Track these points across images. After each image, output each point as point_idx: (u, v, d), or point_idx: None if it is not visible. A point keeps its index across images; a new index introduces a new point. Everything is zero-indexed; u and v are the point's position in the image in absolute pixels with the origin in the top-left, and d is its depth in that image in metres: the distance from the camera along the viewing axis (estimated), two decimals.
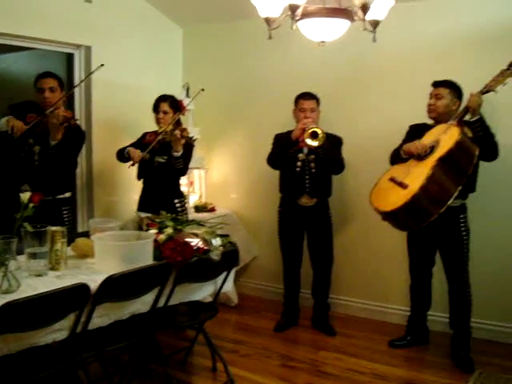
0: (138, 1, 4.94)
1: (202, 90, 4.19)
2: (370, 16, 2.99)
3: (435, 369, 3.71)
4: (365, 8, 2.71)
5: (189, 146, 4.19)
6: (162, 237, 3.08)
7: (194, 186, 5.18)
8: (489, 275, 4.11)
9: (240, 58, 5.15)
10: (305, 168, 4.17)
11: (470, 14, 4.07)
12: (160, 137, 4.03)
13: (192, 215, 4.60)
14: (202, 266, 3.04)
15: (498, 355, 3.90)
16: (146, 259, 2.90)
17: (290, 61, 4.80)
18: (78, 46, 4.57)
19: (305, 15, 2.85)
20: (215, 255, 3.08)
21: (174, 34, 5.41)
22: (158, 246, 3.03)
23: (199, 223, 3.45)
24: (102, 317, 2.69)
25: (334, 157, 4.15)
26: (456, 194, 3.46)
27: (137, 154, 4.02)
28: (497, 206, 4.08)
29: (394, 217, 3.53)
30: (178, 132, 3.97)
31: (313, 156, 4.15)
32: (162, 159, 4.15)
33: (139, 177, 4.31)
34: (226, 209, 5.19)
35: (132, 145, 4.24)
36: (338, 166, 4.17)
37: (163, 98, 4.24)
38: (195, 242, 3.04)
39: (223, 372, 3.48)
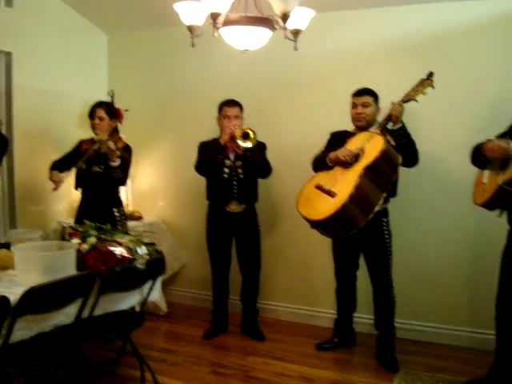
0: (62, 6, 4.82)
1: (127, 110, 4.15)
2: (291, 25, 3.04)
3: (362, 369, 3.80)
4: (285, 17, 2.74)
5: (127, 153, 4.15)
6: (84, 246, 3.03)
7: (121, 195, 5.09)
8: (411, 276, 4.25)
9: (165, 65, 5.12)
10: (232, 174, 4.18)
11: (389, 24, 4.21)
12: (95, 147, 3.97)
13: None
14: (126, 275, 3.01)
15: (422, 354, 4.02)
16: (69, 269, 2.85)
17: (214, 68, 4.82)
18: None
19: (227, 23, 2.86)
20: (140, 264, 3.05)
21: (99, 40, 5.33)
22: (81, 255, 2.98)
23: (125, 232, 3.42)
24: (24, 330, 2.61)
25: (263, 160, 4.18)
26: (381, 201, 3.56)
27: (59, 178, 4.03)
28: (416, 210, 4.23)
29: (323, 225, 3.57)
30: (111, 143, 3.92)
31: (240, 162, 4.17)
32: (99, 168, 4.09)
33: (77, 186, 4.23)
34: (154, 217, 5.14)
35: (68, 154, 4.20)
36: (266, 169, 4.20)
37: (99, 104, 4.19)
38: (119, 250, 3.00)
39: (152, 382, 3.45)
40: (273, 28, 2.92)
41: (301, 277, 4.71)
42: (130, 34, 5.24)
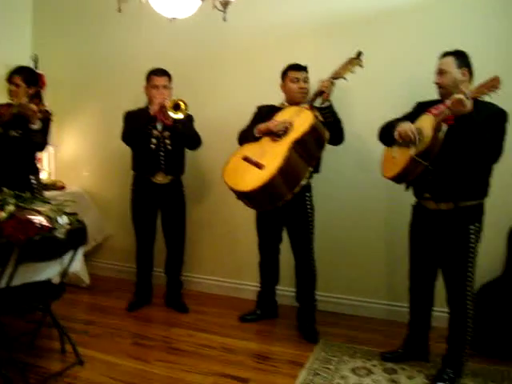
0: None
1: None
2: None
3: (283, 341, 3.87)
4: None
5: (46, 120, 4.00)
6: (2, 214, 2.93)
7: (43, 163, 4.96)
8: (332, 250, 4.35)
9: (93, 30, 4.98)
10: (160, 145, 4.12)
11: (320, 0, 4.22)
12: (14, 110, 3.81)
13: None
14: (45, 245, 2.92)
15: (342, 326, 4.14)
16: None
17: (142, 36, 4.72)
18: None
19: None
20: (60, 233, 2.99)
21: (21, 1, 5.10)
22: None
23: (45, 201, 3.33)
24: None
25: (193, 131, 4.16)
26: (308, 175, 3.61)
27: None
28: (337, 186, 4.31)
29: (250, 197, 3.57)
30: (33, 105, 3.78)
31: (168, 133, 4.12)
32: (17, 133, 3.91)
33: None
34: (77, 187, 5.04)
35: None
36: (196, 141, 4.17)
37: (17, 71, 4.00)
38: (38, 219, 2.92)
39: (72, 353, 3.40)
40: None
41: (226, 250, 4.74)
42: None
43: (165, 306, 4.43)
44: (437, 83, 3.21)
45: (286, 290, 4.33)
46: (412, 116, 3.30)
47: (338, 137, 3.75)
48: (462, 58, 3.19)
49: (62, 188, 4.85)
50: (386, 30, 4.07)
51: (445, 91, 3.16)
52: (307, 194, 3.87)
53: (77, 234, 3.20)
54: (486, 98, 2.95)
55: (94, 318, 4.17)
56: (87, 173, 5.12)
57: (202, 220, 4.76)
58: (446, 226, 3.20)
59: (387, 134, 3.37)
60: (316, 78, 3.71)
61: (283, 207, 3.78)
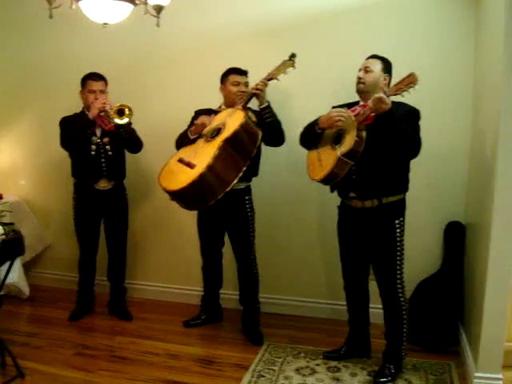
0: None
1: None
2: (153, 1, 3.02)
3: (228, 344, 3.90)
4: None
5: None
6: None
7: None
8: (273, 253, 4.40)
9: (25, 36, 4.85)
10: (100, 151, 4.07)
11: (254, 5, 4.27)
12: None
13: None
14: None
15: (286, 327, 4.19)
16: None
17: (77, 42, 4.63)
18: None
19: None
20: None
21: None
22: None
23: None
24: None
25: (135, 135, 4.14)
26: (241, 175, 3.61)
27: None
28: (274, 188, 4.37)
29: (181, 196, 3.58)
30: None
31: (107, 138, 4.07)
32: None
33: None
34: (15, 196, 4.88)
35: None
36: (139, 144, 4.16)
37: None
38: None
39: (13, 366, 3.32)
40: (133, 2, 2.87)
41: (169, 255, 4.72)
42: None
43: (108, 314, 4.38)
44: (359, 78, 3.30)
45: (230, 294, 4.34)
46: None
47: (278, 138, 3.79)
48: (387, 65, 3.34)
49: None
50: (321, 32, 4.15)
51: (364, 88, 3.27)
52: (246, 198, 3.90)
53: (12, 245, 3.14)
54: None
55: (36, 329, 4.09)
56: (24, 181, 5.00)
57: (145, 225, 4.74)
58: (372, 222, 3.32)
59: (308, 136, 3.46)
60: (253, 80, 3.75)
61: (223, 211, 3.82)
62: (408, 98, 3.11)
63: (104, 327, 4.19)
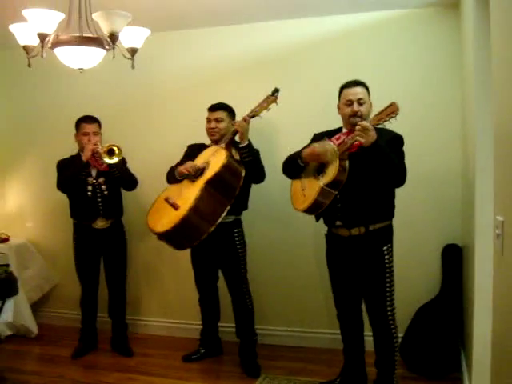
0: None
1: None
2: (126, 44, 3.13)
3: (225, 378, 3.91)
4: (113, 37, 2.82)
5: None
6: None
7: None
8: (271, 285, 4.42)
9: (25, 87, 5.06)
10: (96, 191, 4.18)
11: (237, 41, 4.41)
12: None
13: None
14: None
15: (285, 358, 4.18)
16: None
17: (66, 87, 4.84)
18: None
19: (57, 44, 2.90)
20: None
21: None
22: None
23: None
24: None
25: (128, 173, 4.24)
26: (225, 214, 3.64)
27: None
28: (267, 220, 4.43)
29: (166, 237, 3.64)
30: None
31: (103, 178, 4.18)
32: None
33: None
34: (22, 238, 5.03)
35: None
36: (133, 181, 4.26)
37: None
38: None
39: None
40: (104, 47, 2.97)
41: (169, 290, 4.78)
42: None
43: (111, 350, 4.42)
44: (355, 111, 3.25)
45: (229, 327, 4.33)
46: None
47: (258, 175, 3.83)
48: (367, 89, 3.32)
49: (5, 240, 4.86)
50: (304, 61, 4.26)
51: (360, 120, 3.20)
52: (236, 230, 3.93)
53: (3, 285, 3.23)
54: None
55: (39, 367, 4.17)
56: (31, 223, 5.14)
57: (143, 261, 4.81)
58: (360, 250, 3.29)
59: (291, 167, 3.47)
60: (239, 116, 3.81)
61: (214, 245, 3.86)
62: (402, 122, 3.09)
63: (104, 364, 4.22)
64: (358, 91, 3.28)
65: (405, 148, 3.26)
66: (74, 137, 4.24)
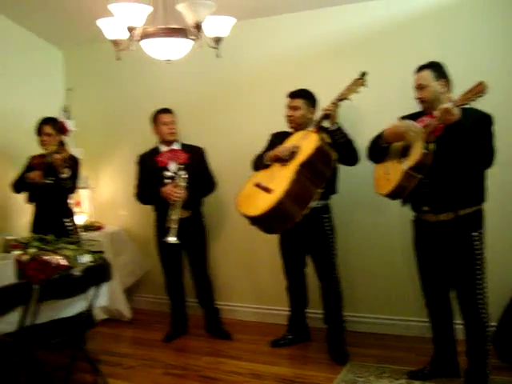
0: (12, 26, 4.95)
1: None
2: (211, 33, 3.17)
3: (313, 364, 3.90)
4: (198, 27, 2.87)
5: (75, 163, 4.28)
6: (25, 257, 3.14)
7: (82, 206, 5.22)
8: (359, 271, 4.38)
9: (116, 77, 5.25)
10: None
11: (322, 25, 4.35)
12: (48, 159, 4.10)
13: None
14: (63, 283, 3.11)
15: (373, 346, 4.13)
16: (7, 279, 2.96)
17: (153, 79, 4.99)
18: None
19: (145, 36, 2.99)
20: (77, 271, 3.16)
21: (52, 55, 5.45)
22: (22, 266, 3.10)
23: (70, 241, 3.54)
24: None
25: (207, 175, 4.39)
26: (317, 197, 3.66)
27: (36, 174, 4.20)
28: (359, 205, 4.36)
29: (260, 221, 3.67)
30: (57, 156, 4.04)
31: (185, 172, 4.21)
32: (49, 180, 4.21)
33: (30, 200, 4.34)
34: (115, 226, 5.26)
35: (23, 172, 4.37)
36: (212, 185, 4.42)
37: (45, 121, 4.31)
38: (55, 259, 3.11)
39: None
40: (189, 38, 3.03)
41: (256, 276, 4.84)
42: (82, 48, 5.37)
43: (201, 335, 4.53)
44: (418, 98, 3.24)
45: (317, 313, 4.30)
46: None
47: (351, 157, 3.80)
48: (438, 69, 3.23)
49: (100, 228, 5.08)
50: (390, 43, 4.17)
51: (427, 105, 3.19)
52: (325, 216, 3.92)
53: (97, 271, 3.36)
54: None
55: (132, 350, 4.35)
56: (124, 212, 5.34)
57: (226, 248, 4.91)
58: (448, 236, 3.20)
59: (374, 150, 3.41)
60: (326, 100, 3.78)
61: (303, 231, 3.86)
62: (487, 102, 2.99)
63: (195, 348, 4.34)
64: (420, 76, 3.24)
65: (496, 128, 3.13)
66: (153, 129, 4.40)
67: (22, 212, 4.51)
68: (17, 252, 3.25)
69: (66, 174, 4.09)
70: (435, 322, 3.47)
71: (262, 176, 3.83)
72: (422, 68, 3.25)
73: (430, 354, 3.58)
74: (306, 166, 3.61)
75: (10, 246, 3.43)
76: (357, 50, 4.23)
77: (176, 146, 4.37)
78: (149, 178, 4.32)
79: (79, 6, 4.49)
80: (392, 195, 3.26)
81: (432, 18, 4.04)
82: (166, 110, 4.35)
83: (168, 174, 4.27)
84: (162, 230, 4.36)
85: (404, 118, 3.38)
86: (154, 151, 4.37)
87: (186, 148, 4.39)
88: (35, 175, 4.18)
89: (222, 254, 4.91)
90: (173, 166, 4.30)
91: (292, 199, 3.56)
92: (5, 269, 3.00)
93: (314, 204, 3.67)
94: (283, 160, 3.72)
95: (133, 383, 3.70)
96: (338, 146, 3.72)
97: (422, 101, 3.23)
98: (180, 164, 4.28)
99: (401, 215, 4.05)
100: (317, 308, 4.27)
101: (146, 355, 4.18)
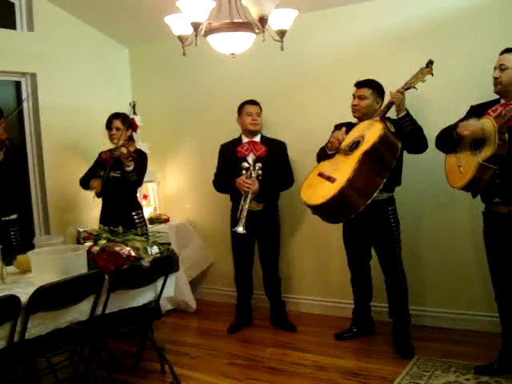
0: (80, 25, 5.13)
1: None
2: (275, 26, 3.18)
3: (377, 357, 3.88)
4: (262, 20, 2.89)
5: (141, 157, 4.39)
6: (96, 248, 3.25)
7: (149, 199, 5.35)
8: (424, 265, 4.32)
9: (183, 72, 5.33)
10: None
11: (388, 15, 4.29)
12: (116, 153, 4.21)
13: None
14: (133, 273, 3.21)
15: (440, 340, 4.06)
16: (80, 270, 3.07)
17: (218, 72, 5.04)
18: (24, 74, 4.77)
19: (209, 31, 3.03)
20: (146, 262, 3.25)
21: (119, 53, 5.62)
22: (93, 256, 3.21)
23: (138, 233, 3.64)
24: (39, 326, 2.84)
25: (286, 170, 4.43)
26: (381, 187, 3.62)
27: (97, 184, 4.36)
28: (426, 197, 4.29)
29: (322, 210, 3.67)
30: (124, 149, 4.15)
31: (260, 164, 4.29)
32: (116, 174, 4.34)
33: (97, 195, 4.49)
34: (181, 219, 5.36)
35: (92, 167, 4.53)
36: (289, 180, 4.46)
37: (116, 116, 4.42)
38: (126, 250, 3.21)
39: (170, 373, 3.63)
40: (254, 31, 3.05)
41: (321, 269, 4.83)
42: (148, 45, 5.51)
43: (266, 326, 4.58)
44: (495, 78, 3.15)
45: (381, 306, 4.29)
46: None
47: (419, 144, 3.72)
48: None
49: (166, 221, 5.20)
50: (455, 33, 4.08)
51: (502, 88, 3.11)
52: (390, 208, 3.88)
53: (164, 262, 3.45)
54: None
55: (197, 340, 4.45)
56: (189, 205, 5.44)
57: (298, 242, 4.92)
58: None
59: (446, 140, 3.34)
60: (392, 88, 3.73)
61: (367, 224, 3.85)
62: None
63: (259, 339, 4.38)
64: (504, 57, 3.15)
65: None
66: (237, 120, 4.48)
67: (94, 205, 4.66)
68: (88, 243, 3.37)
69: (130, 166, 4.19)
70: (505, 317, 3.38)
71: (326, 166, 3.83)
72: (509, 50, 3.15)
73: (499, 349, 3.50)
74: (370, 155, 3.57)
75: (82, 238, 3.55)
76: (419, 39, 4.16)
77: (257, 139, 4.45)
78: (227, 168, 4.43)
79: (145, 5, 4.63)
80: (467, 188, 3.20)
81: (496, 7, 3.92)
82: (252, 102, 4.44)
83: (245, 165, 4.34)
84: (234, 219, 4.40)
85: (477, 106, 3.31)
86: (236, 141, 4.46)
87: (266, 141, 4.46)
88: (95, 184, 4.36)
89: (295, 247, 4.94)
90: (251, 158, 4.37)
91: (355, 188, 3.54)
92: (78, 259, 3.09)
93: (376, 197, 3.63)
94: (346, 150, 3.71)
95: (199, 372, 3.77)
96: (406, 134, 3.66)
97: (497, 82, 3.14)
98: (257, 156, 4.34)
99: (471, 208, 3.99)
100: (381, 301, 4.26)
101: (211, 345, 4.26)
